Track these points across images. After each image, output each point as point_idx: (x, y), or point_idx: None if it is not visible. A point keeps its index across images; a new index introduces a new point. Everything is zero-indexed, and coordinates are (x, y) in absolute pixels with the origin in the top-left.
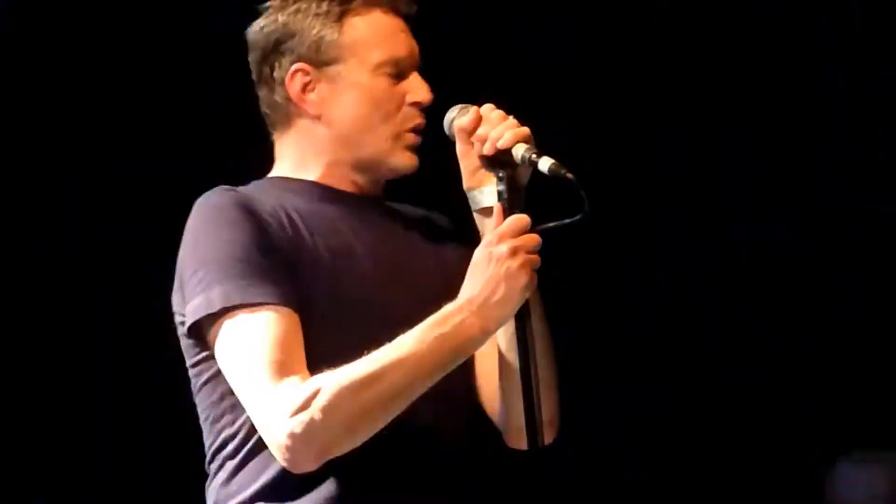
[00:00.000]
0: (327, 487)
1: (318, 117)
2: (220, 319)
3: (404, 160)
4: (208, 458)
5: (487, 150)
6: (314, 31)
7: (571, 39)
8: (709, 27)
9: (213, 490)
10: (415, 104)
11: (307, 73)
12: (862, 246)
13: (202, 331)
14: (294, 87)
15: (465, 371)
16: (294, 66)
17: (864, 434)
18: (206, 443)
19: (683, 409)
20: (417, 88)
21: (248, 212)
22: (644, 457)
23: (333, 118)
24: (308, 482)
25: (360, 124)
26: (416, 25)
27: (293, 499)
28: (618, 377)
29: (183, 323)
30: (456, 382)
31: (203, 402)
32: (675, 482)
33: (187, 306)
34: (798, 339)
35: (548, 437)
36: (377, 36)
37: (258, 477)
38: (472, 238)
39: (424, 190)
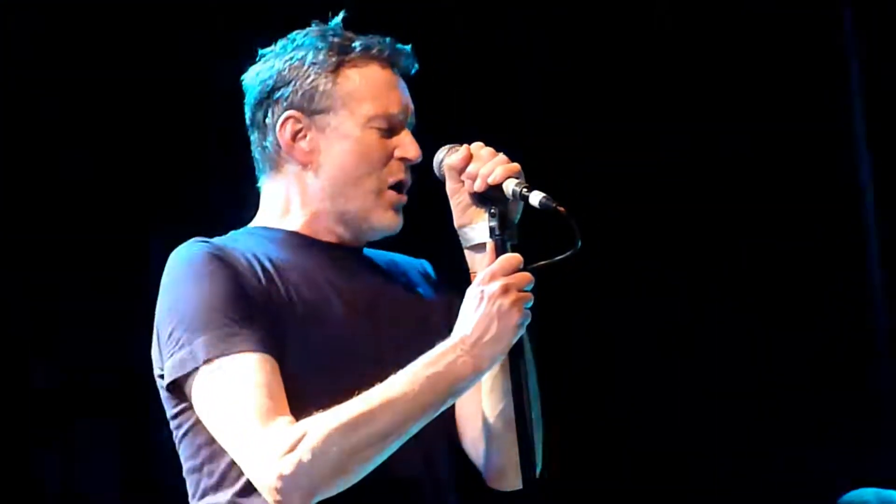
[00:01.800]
0: None
1: (306, 165)
2: (199, 371)
3: (386, 219)
4: None
5: (479, 186)
6: (309, 80)
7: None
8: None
9: None
10: (402, 160)
11: (299, 121)
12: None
13: (182, 384)
14: (285, 134)
15: (444, 414)
16: (286, 114)
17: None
18: (189, 492)
19: (677, 415)
20: (407, 145)
21: (221, 262)
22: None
23: (321, 167)
24: None
25: (346, 175)
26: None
27: None
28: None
29: (162, 377)
30: (435, 425)
31: (183, 454)
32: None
33: (166, 362)
34: (798, 348)
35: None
36: (371, 89)
37: None
38: (456, 283)
39: (415, 229)
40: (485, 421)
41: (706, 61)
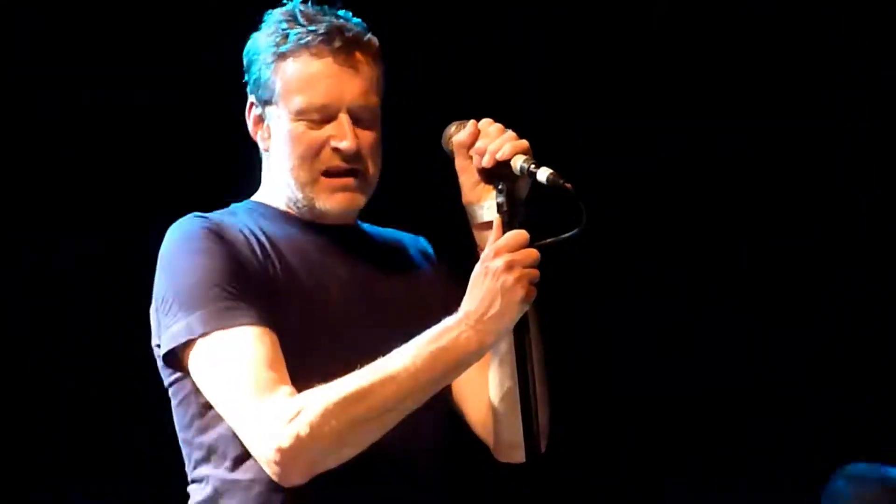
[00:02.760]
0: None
1: (266, 150)
2: (197, 343)
3: (331, 202)
4: (189, 478)
5: (487, 162)
6: (257, 70)
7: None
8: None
9: None
10: (336, 150)
11: (257, 107)
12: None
13: (179, 355)
14: (250, 120)
15: (442, 392)
16: (249, 98)
17: (859, 448)
18: (185, 462)
19: (678, 415)
20: (340, 134)
21: (219, 238)
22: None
23: (273, 154)
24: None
25: (287, 164)
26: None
27: None
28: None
29: (159, 346)
30: (432, 404)
31: (178, 424)
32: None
33: (164, 333)
34: (798, 348)
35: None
36: (300, 82)
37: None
38: (457, 262)
39: (423, 206)
40: (493, 394)
41: (706, 61)
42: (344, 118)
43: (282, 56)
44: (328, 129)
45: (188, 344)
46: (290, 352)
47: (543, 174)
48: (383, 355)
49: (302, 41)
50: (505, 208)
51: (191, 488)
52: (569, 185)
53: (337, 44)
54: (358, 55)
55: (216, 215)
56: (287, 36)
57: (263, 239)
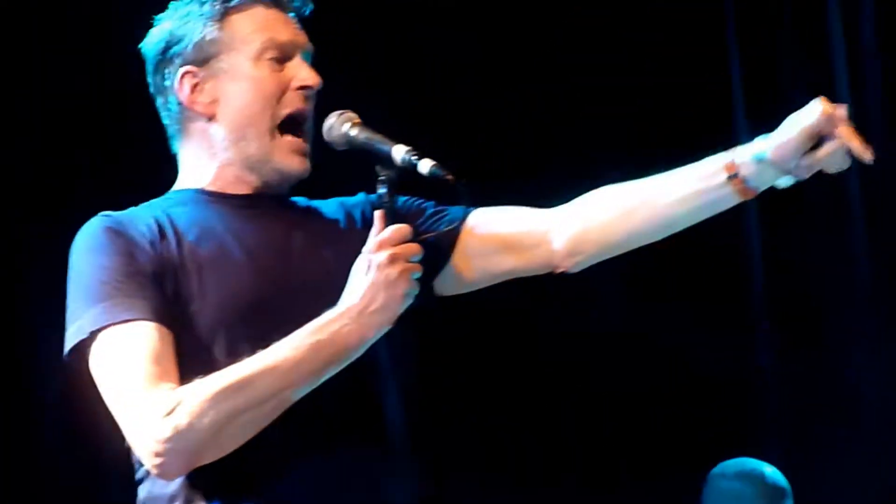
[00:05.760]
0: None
1: (209, 117)
2: (92, 343)
3: (288, 162)
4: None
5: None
6: (197, 32)
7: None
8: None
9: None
10: (301, 88)
11: (195, 75)
12: None
13: (83, 358)
14: (184, 89)
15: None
16: (182, 70)
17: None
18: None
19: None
20: (302, 73)
21: (115, 234)
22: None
23: (222, 114)
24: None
25: (244, 116)
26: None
27: None
28: None
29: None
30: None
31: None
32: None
33: (66, 335)
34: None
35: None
36: (256, 25)
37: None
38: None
39: None
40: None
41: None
42: (302, 59)
43: (234, 9)
44: (288, 71)
45: (86, 344)
46: (199, 331)
47: (425, 166)
48: (297, 327)
49: None
50: (386, 200)
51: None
52: (451, 177)
53: (287, 1)
54: (298, 14)
55: (123, 212)
56: None
57: (169, 226)
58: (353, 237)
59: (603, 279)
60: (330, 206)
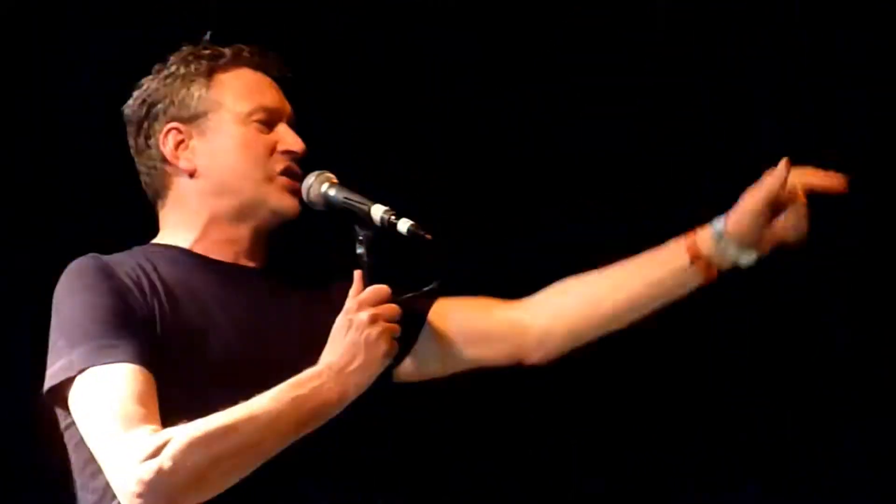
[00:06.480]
0: None
1: (193, 173)
2: (75, 381)
3: (284, 201)
4: None
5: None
6: (184, 91)
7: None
8: None
9: None
10: (286, 153)
11: (180, 132)
12: None
13: (64, 395)
14: (168, 146)
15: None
16: (167, 127)
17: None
18: None
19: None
20: (288, 139)
21: (108, 276)
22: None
23: (207, 170)
24: None
25: (233, 171)
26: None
27: None
28: None
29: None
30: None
31: (74, 468)
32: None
33: (47, 372)
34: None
35: None
36: (244, 87)
37: None
38: None
39: None
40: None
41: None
42: (287, 126)
43: (221, 69)
44: (274, 135)
45: (69, 383)
46: (174, 392)
47: (403, 225)
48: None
49: (240, 56)
50: (366, 259)
51: None
52: (429, 236)
53: (271, 64)
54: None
55: (113, 256)
56: (219, 55)
57: (155, 278)
58: (330, 307)
59: None
60: (307, 274)
